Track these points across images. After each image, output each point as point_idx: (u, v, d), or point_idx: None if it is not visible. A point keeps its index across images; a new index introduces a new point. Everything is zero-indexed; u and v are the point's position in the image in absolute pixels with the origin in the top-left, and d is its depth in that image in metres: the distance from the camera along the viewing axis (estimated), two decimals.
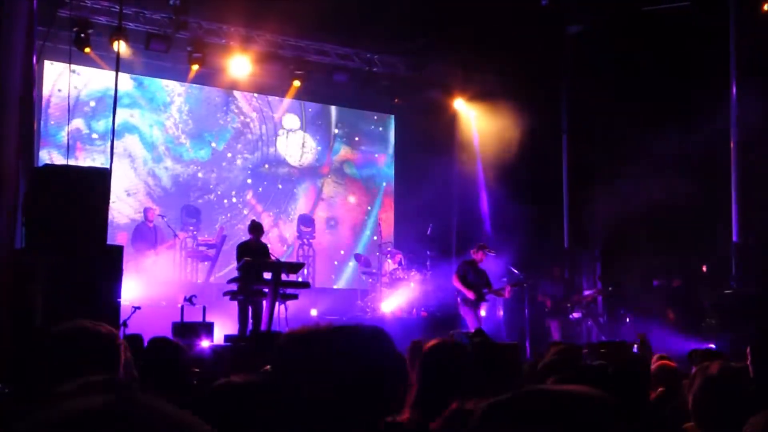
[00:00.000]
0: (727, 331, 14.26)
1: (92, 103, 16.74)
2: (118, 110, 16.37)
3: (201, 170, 17.93)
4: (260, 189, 18.58)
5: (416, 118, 19.20)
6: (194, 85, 17.91)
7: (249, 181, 18.50)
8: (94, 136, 16.75)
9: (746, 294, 14.32)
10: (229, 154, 18.34)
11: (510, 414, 1.38)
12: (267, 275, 12.52)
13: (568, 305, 15.48)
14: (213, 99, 18.29)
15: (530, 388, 1.43)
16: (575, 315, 15.92)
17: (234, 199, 18.21)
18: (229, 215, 18.03)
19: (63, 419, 0.95)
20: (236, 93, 18.45)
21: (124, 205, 16.82)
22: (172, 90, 17.82)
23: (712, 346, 12.61)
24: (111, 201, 10.27)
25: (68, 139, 13.55)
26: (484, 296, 14.45)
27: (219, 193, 18.03)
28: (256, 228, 13.38)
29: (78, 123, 16.35)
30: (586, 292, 15.95)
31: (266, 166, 18.73)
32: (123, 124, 16.79)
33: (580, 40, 17.91)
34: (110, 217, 13.78)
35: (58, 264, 9.14)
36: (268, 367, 4.81)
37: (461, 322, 14.50)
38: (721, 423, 3.45)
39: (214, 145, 18.14)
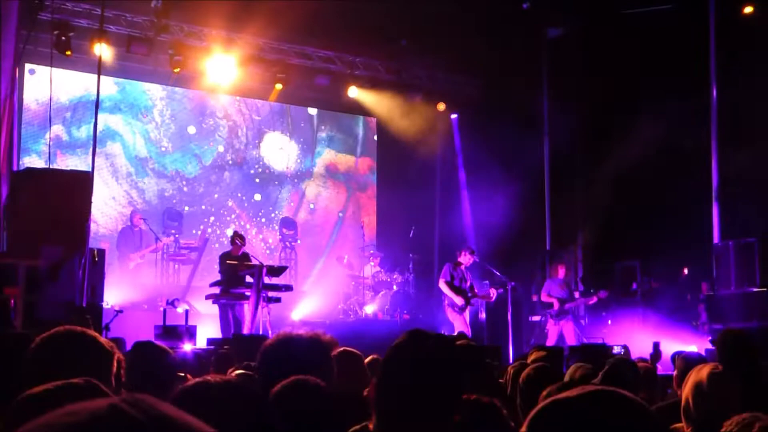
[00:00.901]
0: (708, 333, 14.36)
1: (70, 112, 16.59)
2: (100, 115, 16.37)
3: (187, 185, 17.86)
4: (243, 192, 18.52)
5: (398, 121, 19.22)
6: (176, 90, 17.82)
7: (231, 184, 18.44)
8: (76, 141, 16.63)
9: (727, 295, 14.42)
10: (218, 158, 18.27)
11: (572, 413, 1.38)
12: (250, 279, 12.55)
13: (573, 306, 15.35)
14: (195, 103, 18.21)
15: (589, 388, 1.44)
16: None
17: (216, 203, 18.15)
18: (212, 219, 17.96)
19: (69, 423, 0.94)
20: (218, 96, 18.36)
21: (107, 216, 16.64)
22: (154, 94, 17.73)
23: (695, 348, 12.68)
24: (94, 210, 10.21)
25: (49, 144, 13.44)
26: (470, 301, 14.42)
27: (203, 207, 17.96)
28: (238, 238, 13.37)
29: (58, 130, 16.21)
30: (583, 299, 15.67)
31: (249, 170, 18.68)
32: (105, 130, 16.72)
33: (561, 42, 18.01)
34: (94, 228, 13.78)
35: (39, 267, 9.11)
36: (236, 372, 4.84)
37: (444, 324, 14.50)
38: (711, 425, 3.48)
39: (198, 153, 18.06)
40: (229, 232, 15.82)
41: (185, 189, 17.80)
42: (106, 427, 0.93)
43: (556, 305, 15.06)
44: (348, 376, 4.28)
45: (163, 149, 17.68)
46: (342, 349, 4.87)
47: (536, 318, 16.35)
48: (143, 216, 16.09)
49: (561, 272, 15.65)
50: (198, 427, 1.00)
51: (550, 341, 14.66)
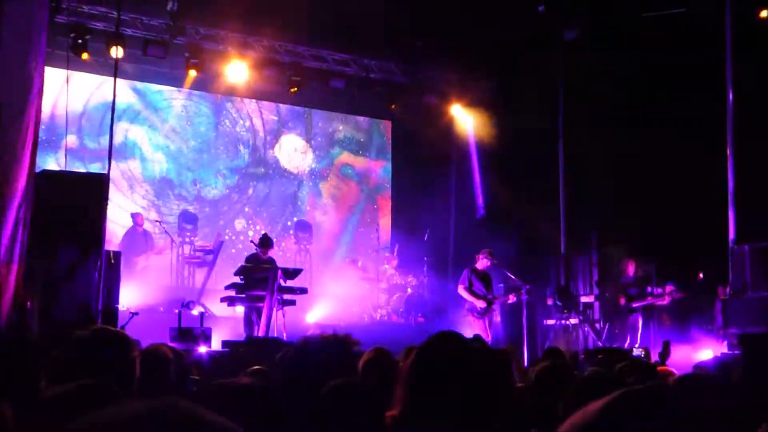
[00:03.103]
0: (724, 337, 14.28)
1: (85, 119, 16.64)
2: (124, 125, 16.49)
3: (209, 207, 17.90)
4: (258, 195, 18.56)
5: (413, 123, 19.22)
6: (193, 94, 17.84)
7: (250, 191, 18.49)
8: (93, 153, 16.62)
9: (743, 299, 14.34)
10: (242, 172, 18.29)
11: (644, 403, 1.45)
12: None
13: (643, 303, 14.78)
14: (212, 106, 18.23)
15: (658, 383, 1.55)
16: (572, 320, 15.87)
17: (232, 206, 18.19)
18: (224, 223, 18.00)
19: (112, 425, 0.96)
20: (234, 99, 18.40)
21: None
22: (171, 98, 17.75)
23: (710, 352, 12.62)
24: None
25: (65, 147, 13.48)
26: (492, 305, 14.28)
27: (222, 209, 18.03)
28: (264, 242, 13.38)
29: (73, 142, 16.20)
30: (658, 290, 14.98)
31: (264, 172, 18.71)
32: (124, 143, 16.83)
33: (577, 45, 17.94)
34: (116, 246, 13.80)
35: (56, 269, 9.15)
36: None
37: (460, 328, 14.47)
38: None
39: (223, 171, 18.12)
40: (246, 231, 15.78)
41: (207, 210, 17.84)
42: (149, 429, 0.96)
43: (623, 301, 14.68)
44: (380, 376, 4.28)
45: (184, 165, 17.70)
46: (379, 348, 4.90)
47: (551, 321, 16.29)
48: (159, 218, 16.11)
49: (630, 269, 15.12)
50: (230, 428, 1.02)
51: (624, 342, 14.35)
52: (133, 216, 15.98)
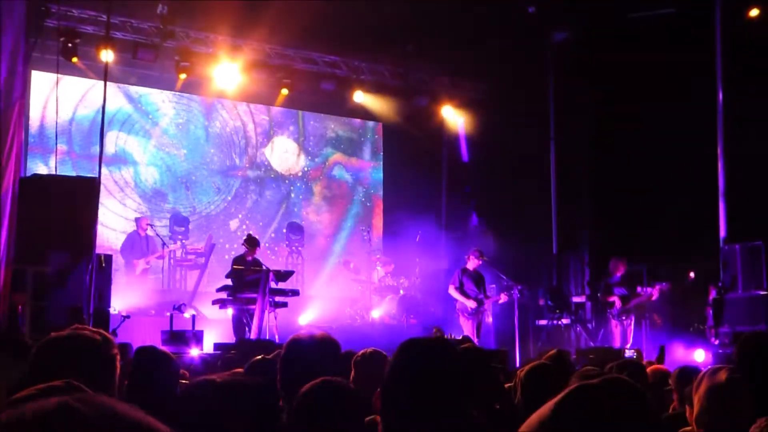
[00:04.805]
0: (715, 336, 14.32)
1: (75, 125, 16.60)
2: (114, 131, 16.47)
3: (203, 220, 17.89)
4: (250, 198, 18.54)
5: (404, 125, 19.23)
6: (183, 98, 17.81)
7: (248, 204, 18.48)
8: (84, 162, 16.57)
9: (734, 299, 14.38)
10: (240, 187, 18.28)
11: (596, 397, 1.46)
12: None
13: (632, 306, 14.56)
14: (203, 109, 18.20)
15: (610, 376, 1.57)
16: (564, 320, 15.89)
17: (223, 210, 18.17)
18: (216, 227, 17.98)
19: (17, 419, 0.97)
20: (225, 102, 18.36)
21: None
22: (162, 106, 17.72)
23: (701, 351, 12.65)
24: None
25: (56, 151, 13.42)
26: (482, 305, 14.33)
27: (213, 214, 18.02)
28: (251, 242, 13.38)
29: (64, 147, 16.12)
30: (648, 290, 14.70)
31: (254, 173, 18.70)
32: (115, 150, 16.81)
33: (567, 46, 18.00)
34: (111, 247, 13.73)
35: (47, 273, 9.14)
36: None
37: (452, 329, 14.48)
38: (726, 429, 3.43)
39: (220, 186, 18.13)
40: (240, 236, 15.78)
41: (202, 222, 17.83)
42: (52, 420, 0.97)
43: (618, 304, 14.49)
44: (372, 377, 4.30)
45: (176, 171, 17.68)
46: (371, 349, 4.94)
47: (543, 322, 16.32)
48: (150, 222, 16.09)
49: (621, 269, 14.81)
50: (149, 424, 1.02)
51: (615, 343, 14.23)
52: (137, 221, 16.01)
